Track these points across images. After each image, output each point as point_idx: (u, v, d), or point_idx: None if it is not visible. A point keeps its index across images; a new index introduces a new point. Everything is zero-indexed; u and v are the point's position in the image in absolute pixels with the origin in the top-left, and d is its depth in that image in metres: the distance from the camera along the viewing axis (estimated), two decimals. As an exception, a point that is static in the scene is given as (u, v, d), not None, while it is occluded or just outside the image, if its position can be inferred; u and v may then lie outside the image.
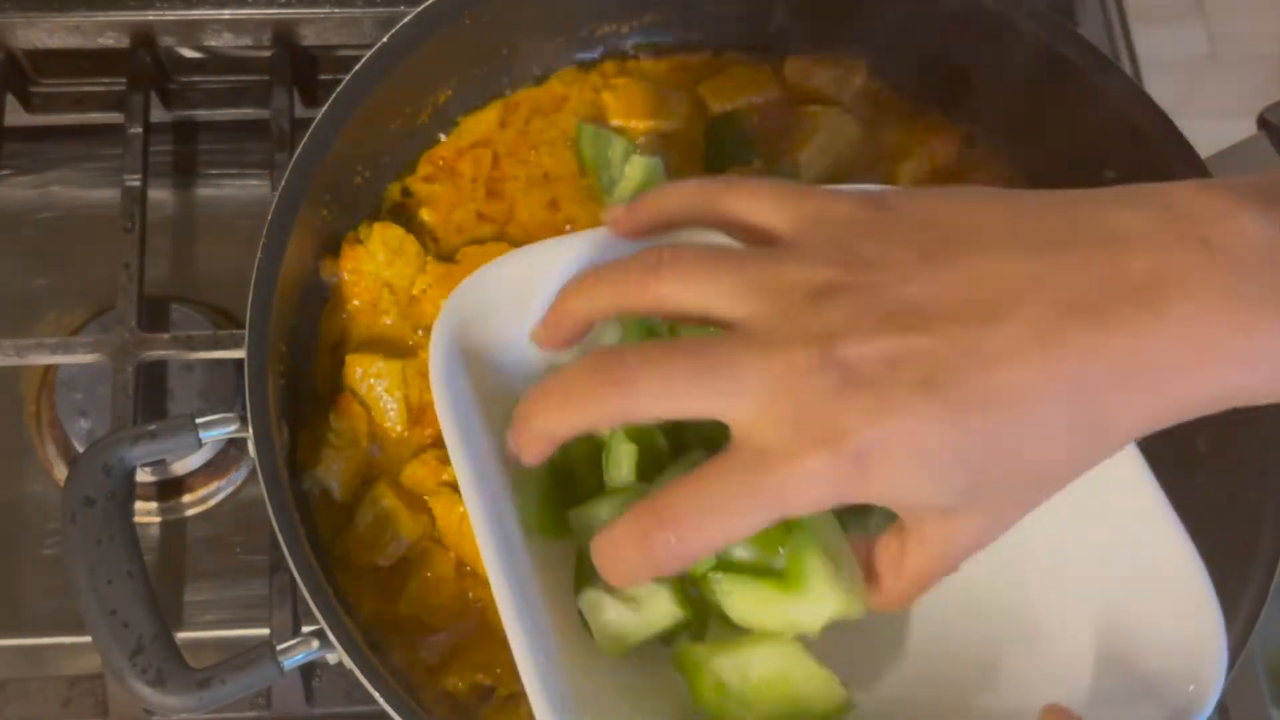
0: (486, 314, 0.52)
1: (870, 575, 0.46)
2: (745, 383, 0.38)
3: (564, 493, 0.53)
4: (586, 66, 0.72)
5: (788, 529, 0.46)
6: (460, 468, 0.48)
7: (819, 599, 0.45)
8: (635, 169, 0.66)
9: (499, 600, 0.46)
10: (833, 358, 0.38)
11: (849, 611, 0.45)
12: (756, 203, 0.43)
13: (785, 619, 0.45)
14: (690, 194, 0.46)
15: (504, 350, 0.54)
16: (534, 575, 0.50)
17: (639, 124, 0.70)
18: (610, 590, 0.48)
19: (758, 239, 0.43)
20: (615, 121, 0.70)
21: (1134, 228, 0.39)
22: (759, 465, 0.38)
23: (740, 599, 0.46)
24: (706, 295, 0.41)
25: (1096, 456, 0.40)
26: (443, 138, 0.69)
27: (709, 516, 0.39)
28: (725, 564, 0.46)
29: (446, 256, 0.66)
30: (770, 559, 0.46)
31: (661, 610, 0.48)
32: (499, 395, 0.54)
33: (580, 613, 0.51)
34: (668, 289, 0.41)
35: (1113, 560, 0.51)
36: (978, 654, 0.53)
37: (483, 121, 0.70)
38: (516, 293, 0.52)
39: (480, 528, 0.47)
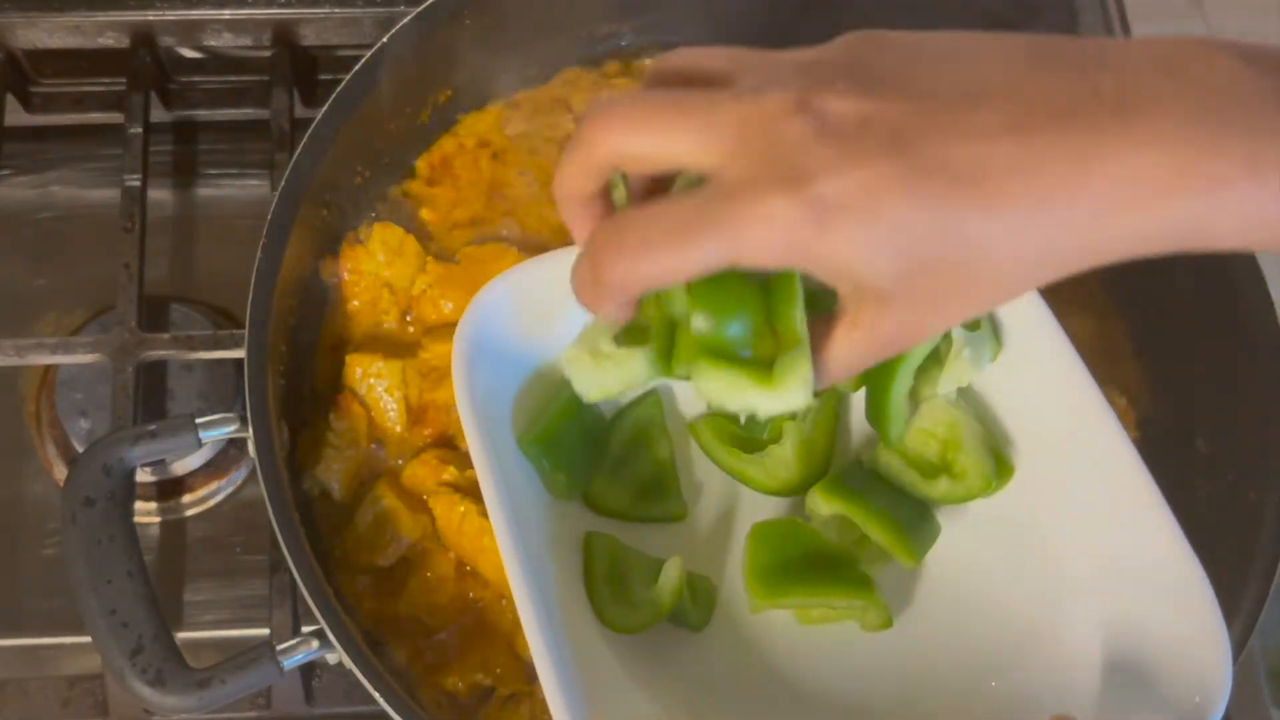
0: (507, 317, 0.54)
1: None
2: (720, 123, 0.39)
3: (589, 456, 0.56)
4: (588, 66, 0.72)
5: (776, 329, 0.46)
6: (480, 465, 0.50)
7: (789, 398, 0.44)
8: None
9: (516, 595, 0.47)
10: (809, 106, 0.38)
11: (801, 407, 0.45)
12: (713, 55, 0.43)
13: (746, 403, 0.45)
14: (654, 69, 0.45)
15: (523, 351, 0.55)
16: (551, 564, 0.52)
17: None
18: (592, 352, 0.49)
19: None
20: None
21: (1112, 54, 0.39)
22: (720, 198, 0.39)
23: (714, 376, 0.45)
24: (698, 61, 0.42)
25: (1044, 272, 0.40)
26: (443, 138, 0.69)
27: (663, 242, 0.39)
28: (712, 346, 0.45)
29: (445, 257, 0.66)
30: (758, 353, 0.45)
31: (639, 367, 0.48)
32: (520, 396, 0.55)
33: (591, 603, 0.53)
34: (617, 140, 0.41)
35: (1119, 571, 0.51)
36: (985, 661, 0.53)
37: (482, 121, 0.70)
38: (537, 297, 0.54)
39: (499, 522, 0.49)
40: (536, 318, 0.55)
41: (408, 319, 0.64)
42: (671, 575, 0.54)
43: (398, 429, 0.62)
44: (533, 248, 0.66)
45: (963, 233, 0.38)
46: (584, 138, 0.41)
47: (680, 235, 0.39)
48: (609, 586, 0.55)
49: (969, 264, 0.39)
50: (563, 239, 0.66)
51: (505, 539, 0.49)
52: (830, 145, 0.38)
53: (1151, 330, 0.65)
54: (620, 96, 0.41)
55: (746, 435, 0.58)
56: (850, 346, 0.42)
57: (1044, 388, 0.55)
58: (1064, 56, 0.40)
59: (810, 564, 0.54)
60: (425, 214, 0.67)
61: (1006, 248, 0.39)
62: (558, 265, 0.54)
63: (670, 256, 0.39)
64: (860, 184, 0.37)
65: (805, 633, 0.56)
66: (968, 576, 0.56)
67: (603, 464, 0.58)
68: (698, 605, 0.55)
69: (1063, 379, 0.54)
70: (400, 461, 0.62)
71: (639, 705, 0.52)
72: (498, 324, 0.54)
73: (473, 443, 0.51)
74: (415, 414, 0.62)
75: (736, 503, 0.59)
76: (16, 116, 0.78)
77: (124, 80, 0.74)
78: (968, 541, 0.57)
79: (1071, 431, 0.54)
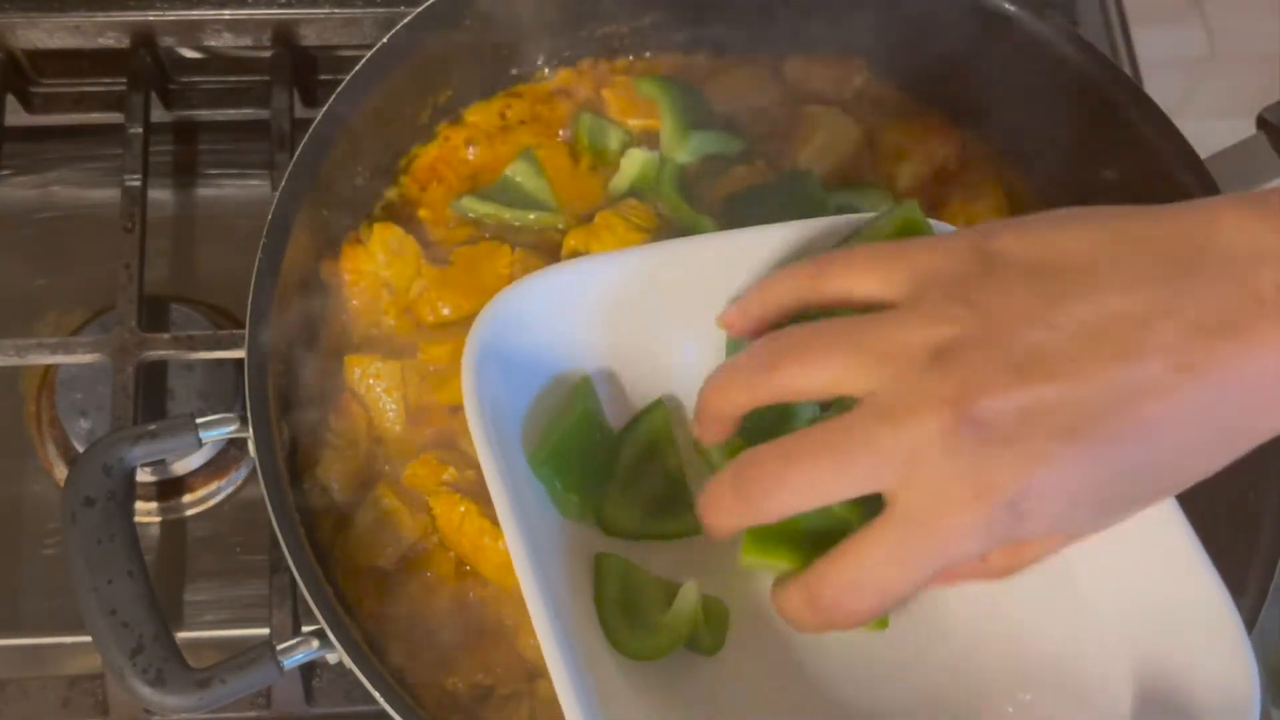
0: (519, 326, 0.53)
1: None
2: (885, 458, 0.39)
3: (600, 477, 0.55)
4: (587, 65, 0.72)
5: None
6: (492, 481, 0.49)
7: None
8: (632, 162, 0.66)
9: (533, 613, 0.46)
10: (967, 418, 0.38)
11: None
12: (860, 276, 0.43)
13: None
14: (792, 282, 0.46)
15: (536, 361, 0.54)
16: (565, 587, 0.51)
17: (636, 121, 0.70)
18: None
19: (871, 309, 0.43)
20: (614, 118, 0.70)
21: (1253, 242, 0.38)
22: (919, 528, 0.39)
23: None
24: (829, 376, 0.41)
25: (1225, 462, 0.40)
26: (442, 138, 0.69)
27: (874, 583, 0.41)
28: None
29: (442, 258, 0.66)
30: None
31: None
32: (532, 408, 0.54)
33: (604, 628, 0.52)
34: (791, 378, 0.42)
35: (1149, 611, 0.50)
36: (1008, 684, 0.53)
37: (482, 121, 0.70)
38: (551, 306, 0.53)
39: (512, 537, 0.48)
40: (550, 327, 0.54)
41: (407, 319, 0.64)
42: (688, 601, 0.52)
43: (397, 429, 0.62)
44: (531, 246, 0.66)
45: (1145, 477, 0.39)
46: (759, 368, 0.43)
47: (898, 575, 0.40)
48: (622, 611, 0.53)
49: (1156, 491, 0.41)
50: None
51: (523, 562, 0.47)
52: (1001, 453, 0.38)
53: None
54: (797, 339, 0.42)
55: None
56: (1042, 552, 0.45)
57: None
58: (1205, 248, 0.38)
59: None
60: (424, 214, 0.67)
61: (1188, 472, 0.40)
62: (572, 274, 0.54)
63: (889, 593, 0.41)
64: (1047, 481, 0.38)
65: (821, 654, 0.54)
66: (991, 603, 0.54)
67: (614, 481, 0.57)
68: (712, 629, 0.54)
69: None
70: (400, 462, 0.62)
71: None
72: (510, 332, 0.53)
73: (484, 458, 0.50)
74: (415, 414, 0.62)
75: None
76: (17, 116, 0.78)
77: (124, 80, 0.74)
78: None
79: None
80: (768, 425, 0.50)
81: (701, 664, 0.54)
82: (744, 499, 0.42)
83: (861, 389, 0.40)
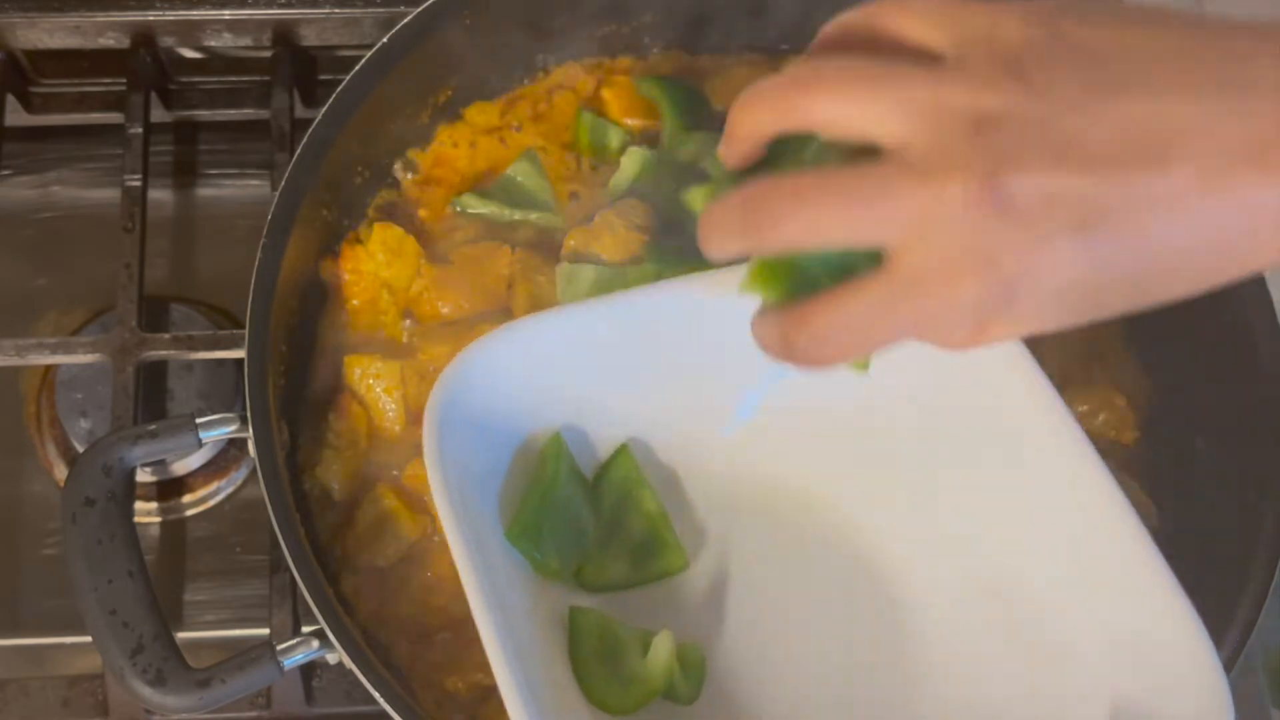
0: (476, 391, 0.53)
1: None
2: (901, 211, 0.39)
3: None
4: (587, 65, 0.72)
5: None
6: (457, 550, 0.49)
7: None
8: (631, 160, 0.66)
9: (501, 684, 0.46)
10: (991, 190, 0.38)
11: None
12: (914, 20, 0.42)
13: None
14: (834, 28, 0.45)
15: (503, 423, 0.54)
16: (537, 648, 0.51)
17: (637, 121, 0.70)
18: None
19: (917, 57, 0.41)
20: (614, 118, 0.70)
21: None
22: (910, 290, 0.39)
23: None
24: (866, 115, 0.40)
25: (1210, 285, 0.40)
26: (442, 137, 0.69)
27: (847, 333, 0.41)
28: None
29: (442, 257, 0.66)
30: None
31: None
32: (502, 468, 0.55)
33: (579, 683, 0.52)
34: (823, 106, 0.41)
35: (1124, 649, 0.50)
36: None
37: (481, 121, 0.70)
38: (509, 368, 0.53)
39: (479, 609, 0.48)
40: (507, 387, 0.54)
41: (407, 319, 0.64)
42: (662, 652, 0.52)
43: (397, 429, 0.62)
44: (532, 246, 0.66)
45: (1135, 287, 0.39)
46: (787, 92, 0.41)
47: (869, 330, 0.41)
48: (599, 664, 0.53)
49: (1136, 302, 0.40)
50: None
51: (489, 632, 0.47)
52: (1014, 232, 0.38)
53: (1149, 330, 0.65)
54: (801, 188, 0.40)
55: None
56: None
57: (1042, 458, 0.53)
58: (1257, 71, 0.38)
59: (817, 278, 0.51)
60: (424, 214, 0.67)
61: (1175, 289, 0.40)
62: (535, 331, 0.54)
63: (860, 345, 0.41)
64: (1045, 268, 0.38)
65: (799, 701, 0.55)
66: (963, 646, 0.55)
67: (591, 537, 0.56)
68: (688, 678, 0.54)
69: (1062, 450, 0.52)
70: (400, 462, 0.62)
71: None
72: (470, 395, 0.52)
73: (449, 527, 0.49)
74: (415, 414, 0.62)
75: (729, 543, 0.58)
76: (17, 116, 0.78)
77: (124, 80, 0.74)
78: (958, 614, 0.55)
79: (1071, 504, 0.52)
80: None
81: (679, 714, 0.54)
82: (750, 224, 0.41)
83: (896, 139, 0.39)
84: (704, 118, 0.69)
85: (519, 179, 0.68)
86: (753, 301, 0.45)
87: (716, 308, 0.53)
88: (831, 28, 0.45)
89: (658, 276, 0.63)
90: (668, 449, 0.59)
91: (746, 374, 0.57)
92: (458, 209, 0.67)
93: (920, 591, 0.56)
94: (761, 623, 0.57)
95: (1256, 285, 0.61)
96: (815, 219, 0.40)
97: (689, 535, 0.58)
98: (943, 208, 0.38)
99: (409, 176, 0.68)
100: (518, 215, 0.67)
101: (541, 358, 0.54)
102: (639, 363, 0.56)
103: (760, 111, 0.43)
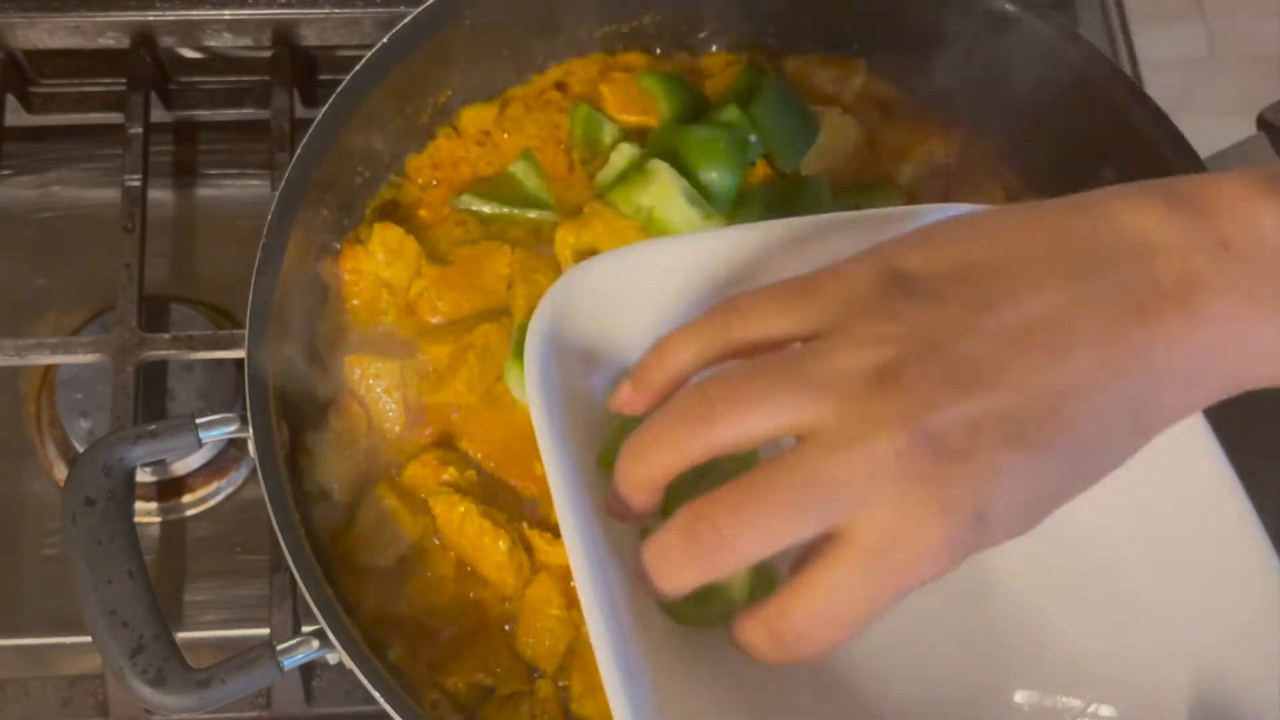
0: (581, 314, 0.50)
1: None
2: (843, 489, 0.38)
3: None
4: (587, 65, 0.72)
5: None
6: (554, 476, 0.45)
7: None
8: (621, 156, 0.67)
9: (582, 592, 0.44)
10: (919, 437, 0.37)
11: None
12: (773, 317, 0.41)
13: None
14: (696, 340, 0.43)
15: (597, 353, 0.52)
16: (621, 590, 0.48)
17: (633, 118, 0.70)
18: None
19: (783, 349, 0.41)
20: (610, 114, 0.70)
21: (1157, 236, 0.39)
22: (883, 555, 0.38)
23: None
24: (770, 419, 0.39)
25: (1140, 446, 0.41)
26: (441, 137, 0.69)
27: (837, 613, 0.40)
28: None
29: (442, 257, 0.66)
30: None
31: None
32: (591, 398, 0.51)
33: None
34: (724, 429, 0.40)
35: (1214, 619, 0.49)
36: (1058, 681, 0.52)
37: (480, 121, 0.70)
38: (613, 293, 0.50)
39: (571, 537, 0.44)
40: (617, 313, 0.51)
41: (407, 319, 0.65)
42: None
43: (397, 429, 0.62)
44: (531, 246, 0.66)
45: (1078, 471, 0.40)
46: (686, 424, 0.40)
47: (868, 602, 0.39)
48: None
49: (1085, 484, 0.40)
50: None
51: (573, 536, 0.44)
52: (956, 469, 0.37)
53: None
54: (738, 505, 0.39)
55: None
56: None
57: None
58: (1113, 244, 0.40)
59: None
60: (424, 214, 0.67)
61: (1112, 460, 0.40)
62: (653, 254, 0.51)
63: (860, 619, 0.40)
64: (1004, 489, 0.38)
65: (873, 641, 0.52)
66: (1025, 593, 0.53)
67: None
68: (761, 592, 0.53)
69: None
70: (400, 462, 0.62)
71: (703, 705, 0.49)
72: (577, 320, 0.50)
73: (545, 442, 0.46)
74: (414, 414, 0.62)
75: None
76: (17, 116, 0.78)
77: (124, 80, 0.74)
78: (1034, 568, 0.53)
79: (1174, 473, 0.50)
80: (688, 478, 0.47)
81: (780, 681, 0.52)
82: (695, 555, 0.39)
83: (806, 425, 0.39)
84: (700, 117, 0.69)
85: (518, 177, 0.68)
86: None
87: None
88: (689, 351, 0.43)
89: None
90: None
91: None
92: (458, 208, 0.67)
93: (1017, 568, 0.54)
94: None
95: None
96: (761, 528, 0.39)
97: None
98: (878, 469, 0.37)
99: (409, 177, 0.68)
100: (517, 213, 0.67)
101: (654, 286, 0.51)
102: None
103: (660, 455, 0.41)
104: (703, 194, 0.65)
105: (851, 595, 0.39)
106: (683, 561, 0.40)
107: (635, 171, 0.65)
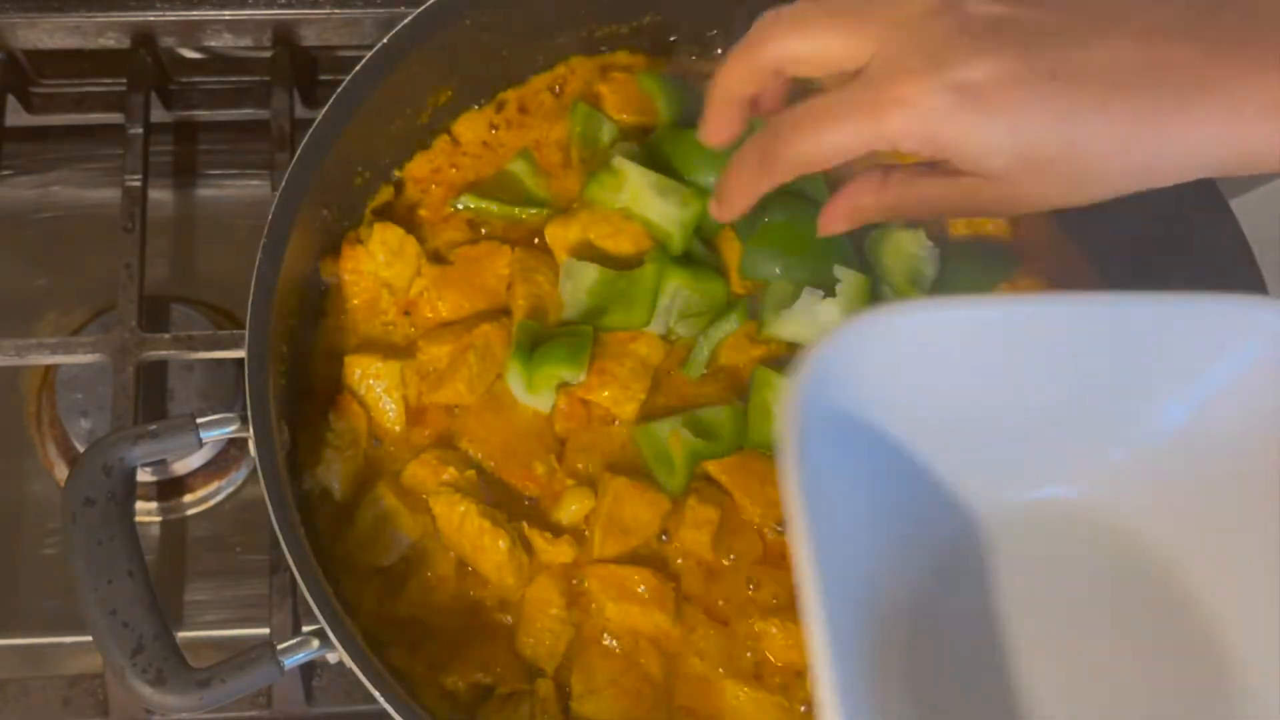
0: (856, 379, 0.44)
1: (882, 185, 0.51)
2: (871, 23, 0.45)
3: None
4: (587, 64, 0.72)
5: None
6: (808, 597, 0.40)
7: None
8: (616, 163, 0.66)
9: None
10: (957, 6, 0.43)
11: None
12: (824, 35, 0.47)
13: None
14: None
15: (872, 428, 0.46)
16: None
17: (630, 117, 0.70)
18: None
19: None
20: (608, 112, 0.70)
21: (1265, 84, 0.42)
22: (868, 86, 0.44)
23: None
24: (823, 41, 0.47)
25: (1147, 179, 0.44)
26: (441, 137, 0.69)
27: (827, 122, 0.46)
28: None
29: (442, 257, 0.66)
30: None
31: None
32: (866, 481, 0.46)
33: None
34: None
35: None
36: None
37: (480, 120, 0.70)
38: (901, 359, 0.45)
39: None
40: (887, 385, 0.45)
41: (407, 319, 0.65)
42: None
43: (397, 429, 0.62)
44: (532, 246, 0.66)
45: (1074, 134, 0.42)
46: (750, 42, 0.48)
47: (838, 121, 0.45)
48: None
49: (1076, 163, 0.43)
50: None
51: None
52: (967, 39, 0.42)
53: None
54: (783, 9, 0.47)
55: None
56: (944, 192, 0.47)
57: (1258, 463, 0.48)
58: (1243, 40, 0.42)
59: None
60: (424, 214, 0.67)
61: (1114, 154, 0.43)
62: (933, 315, 0.45)
63: (834, 134, 0.45)
64: (987, 75, 0.42)
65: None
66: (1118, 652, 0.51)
67: None
68: None
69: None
70: (400, 462, 0.62)
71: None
72: (844, 387, 0.44)
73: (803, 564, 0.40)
74: (414, 414, 0.62)
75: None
76: (17, 116, 0.78)
77: (124, 80, 0.75)
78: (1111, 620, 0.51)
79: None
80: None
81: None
82: (761, 161, 0.48)
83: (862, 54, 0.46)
84: (699, 117, 0.69)
85: (517, 176, 0.68)
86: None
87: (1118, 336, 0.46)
88: (735, 74, 0.51)
89: (659, 277, 0.63)
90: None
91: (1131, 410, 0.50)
92: (458, 208, 0.67)
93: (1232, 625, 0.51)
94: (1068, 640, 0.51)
95: (1257, 286, 0.61)
96: (806, 27, 0.47)
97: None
98: (906, 16, 0.44)
99: (409, 177, 0.68)
100: (517, 211, 0.67)
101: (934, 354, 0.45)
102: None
103: (746, 172, 0.51)
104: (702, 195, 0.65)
105: (830, 114, 0.45)
106: (752, 166, 0.49)
107: (604, 171, 0.66)
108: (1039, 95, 0.42)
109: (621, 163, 0.65)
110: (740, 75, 0.49)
